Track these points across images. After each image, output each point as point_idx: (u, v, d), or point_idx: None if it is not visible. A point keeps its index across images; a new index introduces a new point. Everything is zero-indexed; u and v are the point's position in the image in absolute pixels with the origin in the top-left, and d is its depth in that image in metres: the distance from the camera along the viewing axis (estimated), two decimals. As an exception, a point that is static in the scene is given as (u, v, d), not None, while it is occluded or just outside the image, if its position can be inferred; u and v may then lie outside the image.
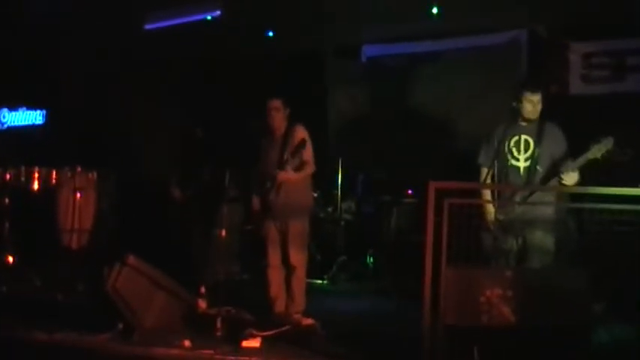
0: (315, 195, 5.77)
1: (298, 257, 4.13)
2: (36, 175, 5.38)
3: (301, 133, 4.12)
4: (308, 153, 4.06)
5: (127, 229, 5.65)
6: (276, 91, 4.25)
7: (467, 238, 3.12)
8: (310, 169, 4.11)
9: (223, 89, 6.62)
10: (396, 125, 6.30)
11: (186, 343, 3.49)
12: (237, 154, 4.85)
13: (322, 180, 5.38)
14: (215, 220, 4.97)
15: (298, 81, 6.35)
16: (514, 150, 3.70)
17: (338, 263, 5.70)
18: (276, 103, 4.17)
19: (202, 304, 4.13)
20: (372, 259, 5.80)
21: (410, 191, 5.79)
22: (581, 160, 3.46)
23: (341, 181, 6.00)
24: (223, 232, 4.46)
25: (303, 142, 3.92)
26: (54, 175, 5.45)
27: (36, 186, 5.38)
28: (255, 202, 4.24)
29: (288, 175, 3.97)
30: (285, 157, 3.97)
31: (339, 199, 6.00)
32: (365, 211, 6.13)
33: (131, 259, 3.70)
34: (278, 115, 4.17)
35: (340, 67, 6.84)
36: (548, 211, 3.63)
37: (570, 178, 3.47)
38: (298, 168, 4.02)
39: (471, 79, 6.05)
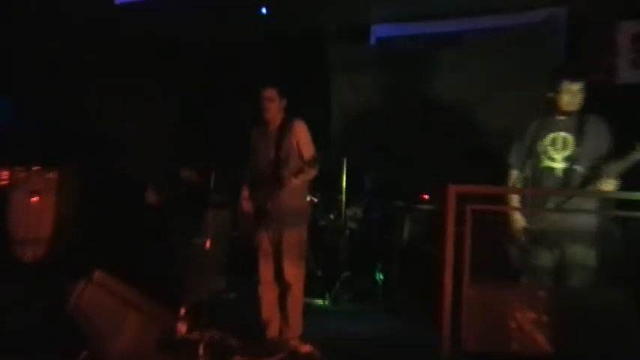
0: (316, 200, 5.80)
1: (294, 272, 4.12)
2: (-19, 175, 5.36)
3: (301, 129, 4.14)
4: (310, 153, 4.08)
5: (94, 239, 5.62)
6: (270, 79, 4.25)
7: (493, 251, 3.20)
8: (313, 171, 4.11)
9: (208, 75, 6.59)
10: (410, 119, 6.28)
11: (163, 373, 3.48)
12: (225, 150, 4.82)
13: (323, 182, 5.34)
14: (198, 229, 4.97)
15: (296, 67, 6.33)
16: (550, 149, 3.71)
17: (341, 280, 5.69)
18: (271, 93, 4.17)
19: (182, 327, 4.08)
20: (381, 275, 5.78)
21: (426, 196, 5.79)
22: (625, 162, 3.46)
23: (345, 184, 5.99)
24: (208, 243, 4.44)
25: (313, 160, 3.95)
26: (4, 176, 5.42)
27: (-19, 188, 5.35)
28: (246, 202, 4.20)
29: (298, 180, 3.99)
30: (286, 173, 4.00)
31: (343, 205, 5.99)
32: (373, 219, 6.12)
33: (98, 274, 3.69)
34: (272, 105, 4.17)
35: (345, 51, 6.81)
36: (589, 220, 3.63)
37: (608, 184, 3.47)
38: (299, 172, 4.03)
39: (498, 66, 6.00)
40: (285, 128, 4.16)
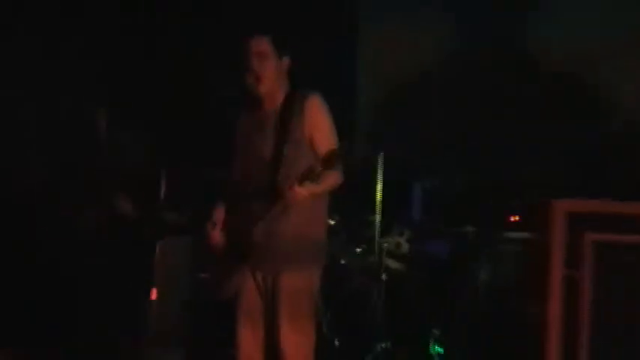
0: (333, 223, 5.81)
1: (296, 341, 4.07)
2: None
3: (318, 110, 4.08)
4: (331, 148, 4.01)
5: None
6: (263, 27, 4.21)
7: (631, 311, 3.20)
8: (334, 177, 4.08)
9: (164, 28, 6.69)
10: (493, 96, 6.42)
11: None
12: (188, 142, 4.83)
13: (346, 195, 5.31)
14: (141, 270, 5.03)
15: (306, 12, 6.49)
16: None
17: (375, 354, 5.73)
18: (262, 45, 4.11)
19: None
20: (439, 348, 5.85)
21: (516, 217, 5.80)
22: None
23: (382, 197, 6.03)
24: (154, 292, 4.39)
25: (334, 158, 3.88)
26: None
27: None
28: (215, 234, 4.19)
29: (308, 190, 3.91)
30: (301, 176, 3.92)
31: (378, 232, 6.03)
32: (427, 255, 6.21)
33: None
34: (265, 66, 4.11)
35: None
36: None
37: None
38: (308, 176, 3.97)
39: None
40: (291, 108, 4.10)
